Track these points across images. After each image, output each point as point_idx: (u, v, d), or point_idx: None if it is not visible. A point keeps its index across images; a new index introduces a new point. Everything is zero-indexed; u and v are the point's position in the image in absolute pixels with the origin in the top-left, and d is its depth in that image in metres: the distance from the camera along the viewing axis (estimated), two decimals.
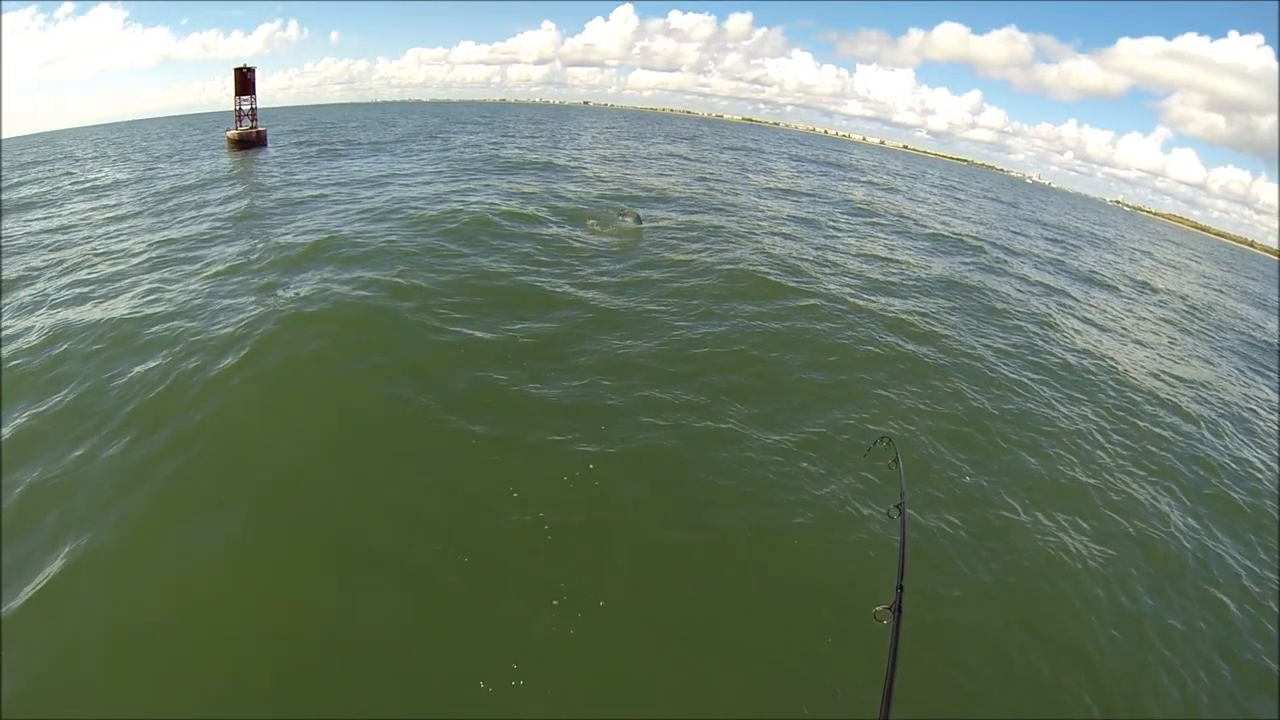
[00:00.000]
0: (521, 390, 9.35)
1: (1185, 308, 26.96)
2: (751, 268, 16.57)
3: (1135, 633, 7.13)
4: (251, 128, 42.23)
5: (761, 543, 7.12)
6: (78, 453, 7.69)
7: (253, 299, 12.08)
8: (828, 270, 17.89)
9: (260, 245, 16.18)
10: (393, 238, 16.22)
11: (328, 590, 5.91)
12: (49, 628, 5.45)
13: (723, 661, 5.72)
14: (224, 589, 5.87)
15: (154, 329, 10.82)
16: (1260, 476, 11.43)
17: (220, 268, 14.18)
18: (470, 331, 10.89)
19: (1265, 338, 24.86)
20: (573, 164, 34.09)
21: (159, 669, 5.15)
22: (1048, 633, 6.78)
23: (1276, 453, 12.75)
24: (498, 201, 21.19)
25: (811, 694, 5.60)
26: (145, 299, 12.32)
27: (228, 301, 11.96)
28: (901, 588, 2.82)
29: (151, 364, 9.63)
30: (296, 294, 12.12)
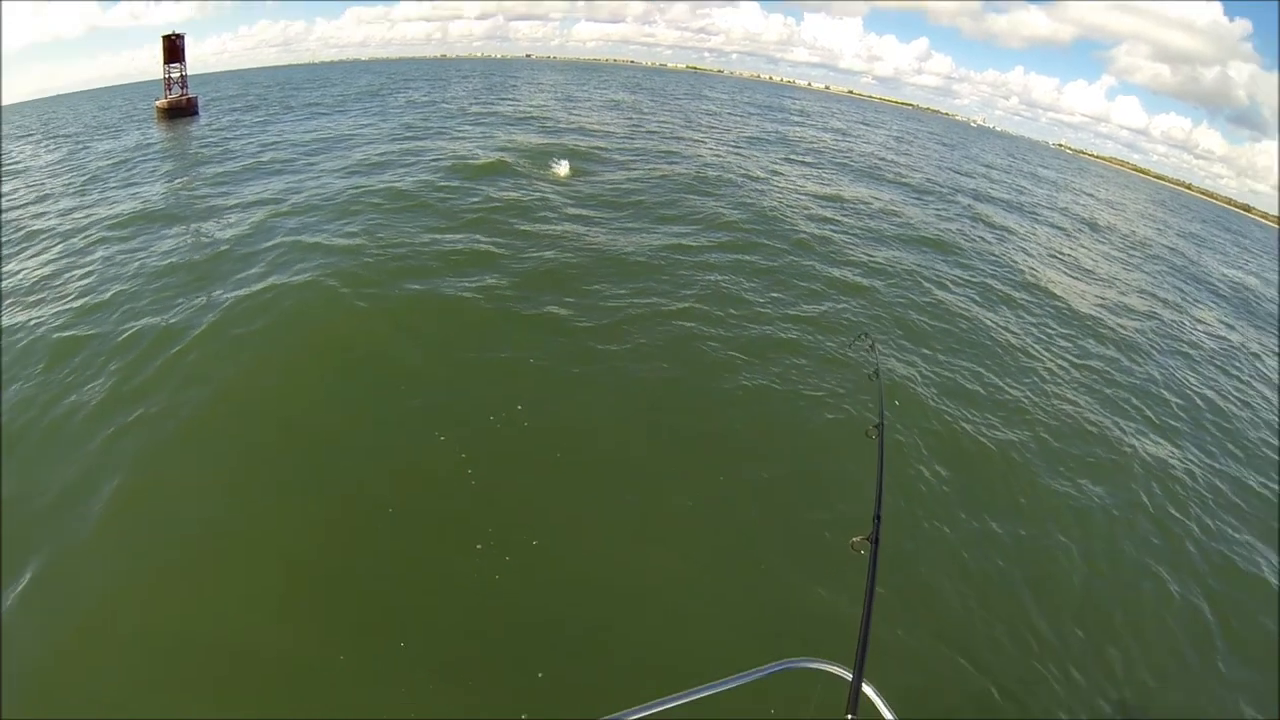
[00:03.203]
0: (449, 337, 9.27)
1: (1127, 243, 27.66)
2: (702, 211, 16.51)
3: (1084, 519, 7.50)
4: (182, 95, 40.30)
5: (699, 474, 7.16)
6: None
7: (196, 277, 11.45)
8: (777, 211, 17.83)
9: (198, 219, 15.41)
10: (334, 201, 15.64)
11: (265, 557, 5.73)
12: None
13: (671, 595, 5.73)
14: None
15: (91, 318, 10.15)
16: (1193, 396, 11.86)
17: (158, 247, 13.45)
18: (413, 287, 10.65)
19: (1199, 272, 25.69)
20: (520, 115, 33.30)
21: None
22: (1018, 549, 7.00)
23: (1208, 376, 13.23)
24: (446, 157, 20.62)
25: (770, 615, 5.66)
26: (81, 284, 11.57)
27: (167, 280, 11.35)
28: (879, 518, 2.71)
29: (89, 355, 9.02)
30: (243, 270, 11.55)
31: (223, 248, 12.82)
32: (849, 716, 1.84)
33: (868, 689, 2.07)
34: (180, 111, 39.43)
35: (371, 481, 6.52)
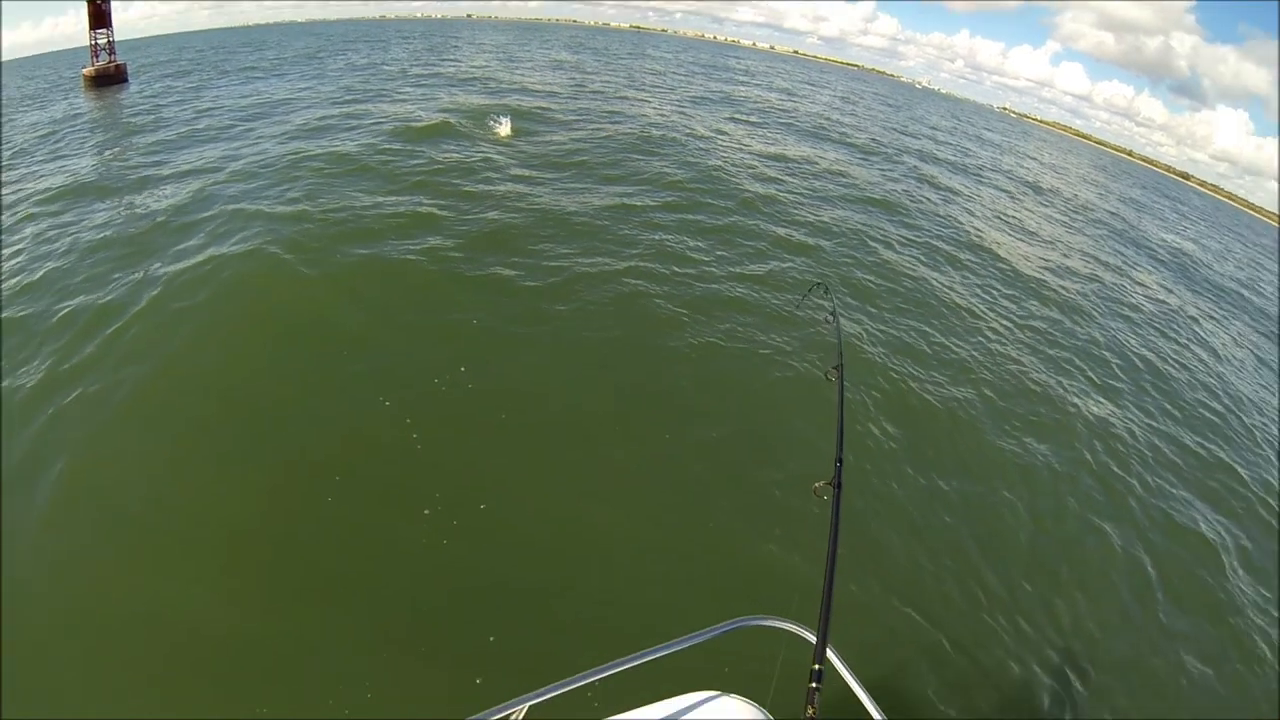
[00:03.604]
0: (392, 301, 9.07)
1: (1069, 207, 28.39)
2: (647, 171, 16.39)
3: (1029, 476, 7.79)
4: (110, 62, 38.29)
5: (647, 433, 7.24)
6: None
7: (132, 251, 10.92)
8: (722, 171, 17.78)
9: (132, 190, 14.73)
10: (273, 167, 15.03)
11: (210, 531, 5.57)
12: None
13: (621, 555, 5.80)
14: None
15: (23, 299, 9.54)
16: (1133, 357, 12.33)
17: (91, 221, 12.80)
18: (356, 252, 10.32)
19: (1139, 237, 26.53)
20: (463, 76, 32.41)
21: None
22: (965, 506, 7.24)
23: (1147, 338, 13.73)
24: (388, 119, 19.96)
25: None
26: (11, 264, 10.88)
27: (102, 255, 10.83)
28: (840, 461, 2.60)
29: (24, 337, 8.50)
30: (181, 241, 11.06)
31: (159, 219, 12.30)
32: (815, 666, 1.78)
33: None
34: (109, 79, 37.47)
35: (316, 449, 6.40)
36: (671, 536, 6.00)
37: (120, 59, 39.31)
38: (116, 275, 9.95)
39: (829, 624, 1.91)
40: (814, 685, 1.72)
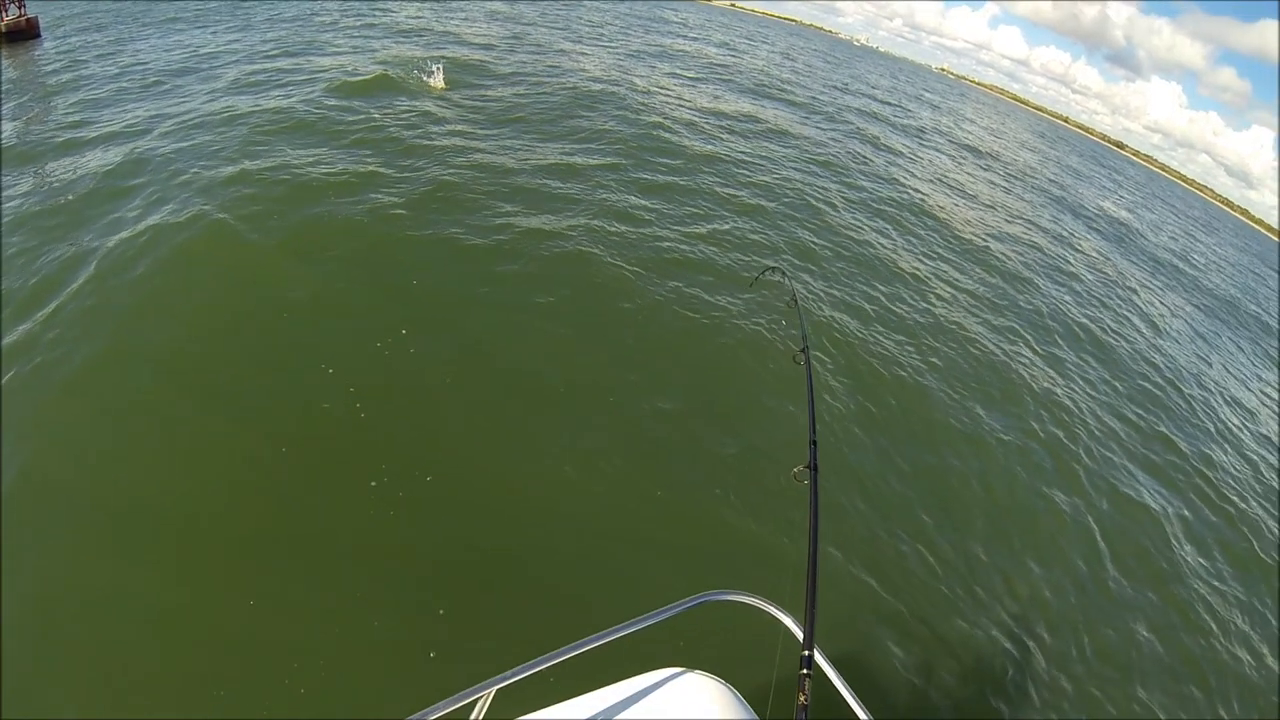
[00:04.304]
0: (335, 264, 8.69)
1: (1010, 172, 28.76)
2: (588, 128, 16.05)
3: (978, 445, 8.05)
4: (20, 16, 35.33)
5: (597, 398, 7.14)
6: None
7: (62, 224, 10.18)
8: (664, 128, 17.50)
9: (56, 157, 13.71)
10: (206, 126, 14.18)
11: (159, 515, 5.32)
12: None
13: (571, 522, 5.72)
14: None
15: None
16: (1075, 328, 12.68)
17: (14, 192, 11.78)
18: (298, 214, 9.86)
19: (1077, 204, 27.07)
20: (397, 27, 30.89)
21: None
22: (915, 474, 7.40)
23: (1089, 308, 14.11)
24: (323, 73, 18.94)
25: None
26: None
27: (29, 230, 10.03)
28: (814, 443, 2.62)
29: None
30: (114, 211, 10.41)
31: (89, 186, 11.52)
32: (805, 653, 1.77)
33: (786, 619, 2.03)
34: (20, 35, 34.42)
35: (261, 424, 6.16)
36: (622, 500, 5.99)
37: (31, 13, 36.34)
38: (48, 250, 9.33)
39: (815, 610, 1.89)
40: (804, 672, 1.71)
